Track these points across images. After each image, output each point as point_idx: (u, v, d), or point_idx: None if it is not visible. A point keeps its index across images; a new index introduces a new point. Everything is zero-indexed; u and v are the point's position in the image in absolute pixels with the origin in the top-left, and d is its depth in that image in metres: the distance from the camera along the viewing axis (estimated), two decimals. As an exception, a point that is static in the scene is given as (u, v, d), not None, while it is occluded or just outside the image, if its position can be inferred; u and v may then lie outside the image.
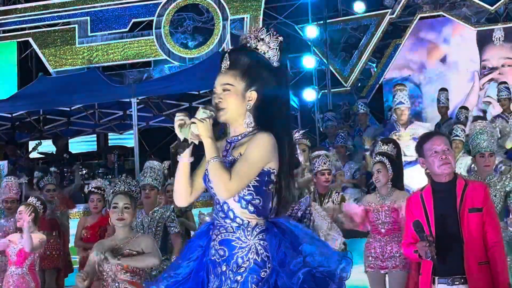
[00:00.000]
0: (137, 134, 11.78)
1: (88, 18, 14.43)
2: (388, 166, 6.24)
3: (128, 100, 11.84)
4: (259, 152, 3.09)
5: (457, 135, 8.12)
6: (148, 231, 6.39)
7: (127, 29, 14.32)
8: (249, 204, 3.11)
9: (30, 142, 14.28)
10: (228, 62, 3.22)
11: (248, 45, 3.22)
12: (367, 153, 8.44)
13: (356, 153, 10.18)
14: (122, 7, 14.32)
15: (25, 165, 11.88)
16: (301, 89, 13.20)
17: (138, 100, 11.68)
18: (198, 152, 3.16)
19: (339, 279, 3.08)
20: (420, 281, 4.29)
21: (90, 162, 13.54)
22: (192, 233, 8.13)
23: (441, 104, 10.40)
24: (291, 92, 11.25)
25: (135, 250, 4.68)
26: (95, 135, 15.30)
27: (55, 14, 14.61)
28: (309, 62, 13.08)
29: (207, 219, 7.10)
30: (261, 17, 13.66)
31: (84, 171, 12.75)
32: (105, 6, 14.37)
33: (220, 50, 13.47)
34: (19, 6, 14.97)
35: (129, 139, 13.66)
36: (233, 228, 3.12)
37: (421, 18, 13.49)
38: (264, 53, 3.20)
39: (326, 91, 13.38)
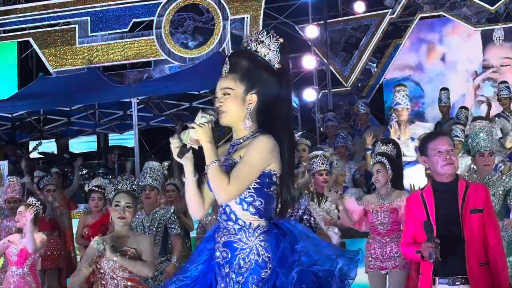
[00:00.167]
0: (137, 134, 11.78)
1: (89, 18, 14.43)
2: (387, 166, 6.24)
3: (128, 100, 11.84)
4: (259, 155, 3.10)
5: (456, 136, 8.12)
6: (149, 232, 6.40)
7: (127, 29, 14.32)
8: (250, 206, 3.13)
9: (30, 142, 14.30)
10: (228, 66, 3.22)
11: (249, 48, 3.22)
12: (368, 152, 8.44)
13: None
14: (122, 7, 14.32)
15: (26, 166, 11.87)
16: (301, 89, 13.20)
17: (138, 100, 11.68)
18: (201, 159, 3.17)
19: (339, 279, 3.08)
20: (420, 281, 4.29)
21: (90, 162, 13.53)
22: (190, 233, 8.16)
23: (443, 104, 10.41)
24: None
25: (132, 247, 4.68)
26: (95, 135, 15.31)
27: (56, 14, 14.62)
28: (309, 62, 13.09)
29: (209, 218, 7.13)
30: (261, 17, 13.66)
31: (84, 171, 12.76)
32: (105, 6, 14.38)
33: (220, 50, 13.48)
34: (19, 6, 14.97)
35: (130, 139, 13.66)
36: (235, 230, 3.15)
37: (422, 18, 13.49)
38: (265, 55, 3.20)
39: (326, 91, 13.38)
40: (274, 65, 3.21)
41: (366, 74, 13.78)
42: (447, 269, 4.09)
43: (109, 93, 11.97)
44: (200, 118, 3.11)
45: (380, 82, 13.65)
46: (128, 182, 4.97)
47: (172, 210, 6.65)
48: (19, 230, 6.75)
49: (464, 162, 7.89)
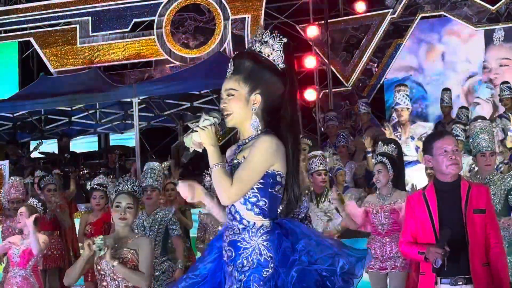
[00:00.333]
0: (138, 134, 11.79)
1: (90, 18, 14.42)
2: (388, 166, 6.25)
3: (129, 100, 11.85)
4: (261, 156, 3.12)
5: (457, 135, 8.12)
6: (150, 233, 6.41)
7: (128, 29, 14.31)
8: (254, 206, 3.15)
9: (31, 142, 14.31)
10: (232, 67, 3.24)
11: (253, 48, 3.24)
12: (369, 155, 8.43)
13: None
14: (123, 7, 14.31)
15: (27, 165, 11.89)
16: (302, 89, 13.19)
17: (139, 100, 11.68)
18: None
19: (341, 277, 3.09)
20: (421, 280, 4.29)
21: (91, 162, 13.55)
22: (190, 233, 8.17)
23: (445, 104, 10.43)
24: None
25: (132, 249, 4.68)
26: (96, 135, 15.32)
27: (56, 14, 14.61)
28: (310, 62, 13.09)
29: (209, 218, 7.15)
30: (262, 17, 13.66)
31: (85, 171, 12.77)
32: (106, 6, 14.37)
33: (221, 50, 13.48)
34: (20, 6, 14.96)
35: (130, 139, 13.66)
36: (239, 230, 3.17)
37: (422, 18, 13.49)
38: (268, 55, 3.21)
39: (327, 90, 13.38)
40: (278, 65, 3.22)
41: (367, 74, 13.78)
42: (450, 269, 4.09)
43: (110, 93, 11.99)
44: (203, 121, 3.13)
45: (381, 82, 13.65)
46: (129, 183, 4.97)
47: (173, 212, 6.66)
48: (21, 231, 6.75)
49: (465, 162, 7.89)
